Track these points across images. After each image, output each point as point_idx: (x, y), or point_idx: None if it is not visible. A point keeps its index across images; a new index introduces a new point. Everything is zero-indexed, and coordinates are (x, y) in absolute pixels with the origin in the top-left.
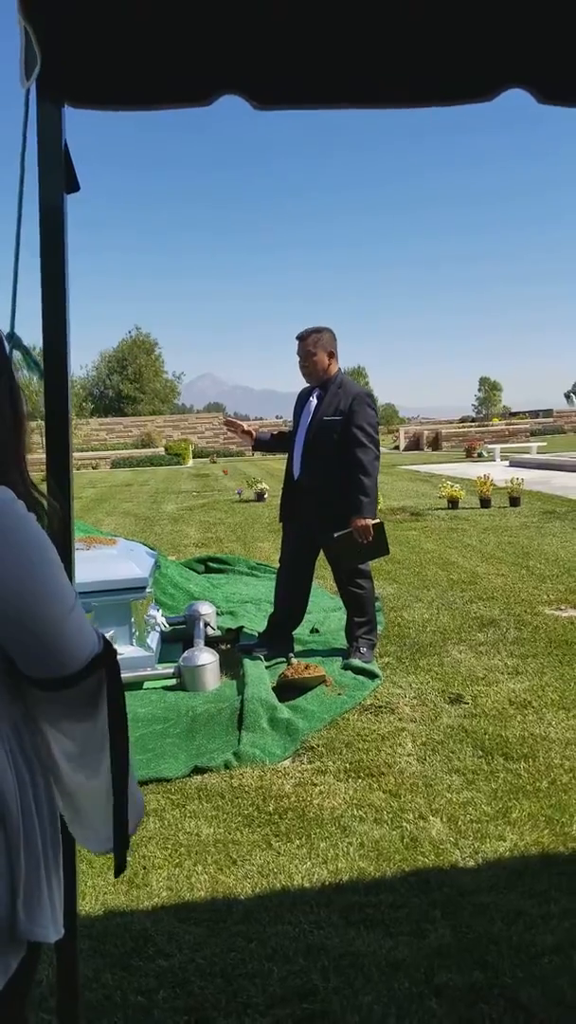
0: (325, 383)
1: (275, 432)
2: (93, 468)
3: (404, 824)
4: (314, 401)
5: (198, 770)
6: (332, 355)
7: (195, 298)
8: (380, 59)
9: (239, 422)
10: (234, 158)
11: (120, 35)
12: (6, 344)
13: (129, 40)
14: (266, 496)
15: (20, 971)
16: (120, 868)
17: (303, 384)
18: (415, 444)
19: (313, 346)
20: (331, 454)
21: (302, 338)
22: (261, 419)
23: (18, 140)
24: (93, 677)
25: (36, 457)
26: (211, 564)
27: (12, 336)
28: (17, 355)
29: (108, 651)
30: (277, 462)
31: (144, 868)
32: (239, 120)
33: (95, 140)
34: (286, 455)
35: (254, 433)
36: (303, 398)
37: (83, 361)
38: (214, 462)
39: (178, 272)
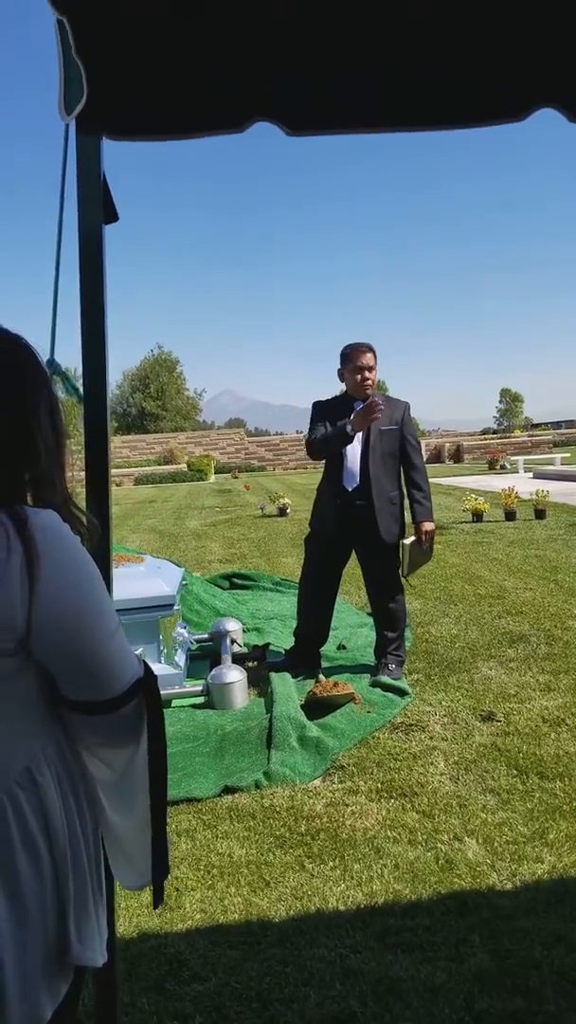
0: (366, 396)
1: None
2: (117, 485)
3: (439, 845)
4: None
5: (228, 790)
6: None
7: (213, 313)
8: (413, 82)
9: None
10: (253, 172)
11: (155, 68)
12: (47, 369)
13: (164, 72)
14: (288, 511)
15: (68, 996)
16: (159, 900)
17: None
18: (436, 457)
19: (374, 361)
20: (390, 463)
21: (364, 351)
22: (281, 433)
23: (57, 171)
24: (134, 702)
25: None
26: (236, 580)
27: (52, 362)
28: (56, 380)
29: (149, 677)
30: (298, 476)
31: (177, 890)
32: (261, 136)
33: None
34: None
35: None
36: (341, 409)
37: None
38: (236, 477)
39: (194, 288)
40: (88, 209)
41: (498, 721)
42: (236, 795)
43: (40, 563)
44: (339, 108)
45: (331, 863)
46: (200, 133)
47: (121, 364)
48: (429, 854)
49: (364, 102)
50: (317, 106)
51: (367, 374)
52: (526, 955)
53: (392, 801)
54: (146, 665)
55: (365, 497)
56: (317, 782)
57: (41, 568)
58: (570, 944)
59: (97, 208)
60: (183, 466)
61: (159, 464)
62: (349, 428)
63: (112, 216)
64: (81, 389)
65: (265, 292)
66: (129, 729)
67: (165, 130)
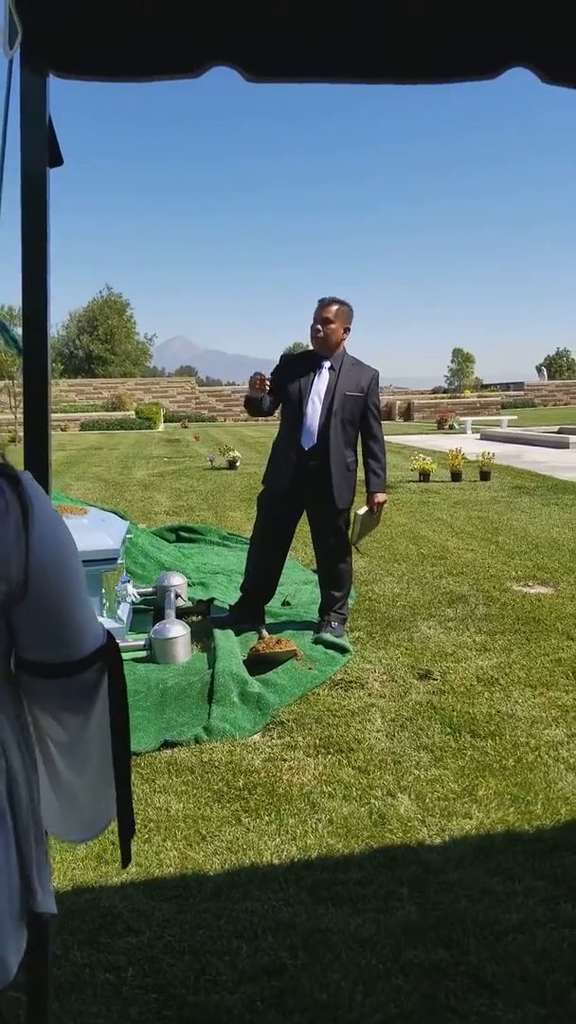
0: (335, 356)
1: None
2: (62, 430)
3: (373, 801)
4: (326, 373)
5: (168, 744)
6: (347, 330)
7: (167, 260)
8: (380, 33)
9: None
10: (209, 119)
11: (107, 2)
12: None
13: (116, 8)
14: (238, 464)
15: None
16: (127, 859)
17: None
18: (387, 414)
19: (334, 316)
20: (350, 429)
21: (325, 304)
22: (233, 383)
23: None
24: (94, 668)
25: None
26: (182, 533)
27: None
28: None
29: (112, 645)
30: (249, 428)
31: (112, 844)
32: (218, 84)
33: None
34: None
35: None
36: (307, 366)
37: (52, 320)
38: (185, 427)
39: (148, 235)
40: (32, 150)
41: (434, 679)
42: (175, 749)
43: (33, 524)
44: (302, 56)
45: (267, 817)
46: (153, 76)
47: (67, 305)
48: (363, 809)
49: (329, 51)
50: (279, 52)
51: (318, 327)
52: (451, 908)
53: (329, 757)
54: (109, 634)
55: (320, 458)
56: (256, 737)
57: (34, 529)
58: (494, 897)
59: (42, 150)
60: (131, 413)
61: (106, 410)
62: (249, 394)
63: (57, 159)
64: (20, 341)
65: (223, 243)
66: (86, 694)
67: (115, 71)
